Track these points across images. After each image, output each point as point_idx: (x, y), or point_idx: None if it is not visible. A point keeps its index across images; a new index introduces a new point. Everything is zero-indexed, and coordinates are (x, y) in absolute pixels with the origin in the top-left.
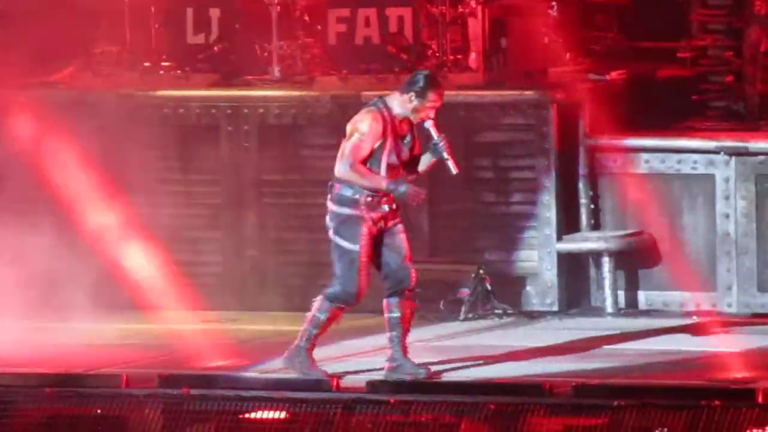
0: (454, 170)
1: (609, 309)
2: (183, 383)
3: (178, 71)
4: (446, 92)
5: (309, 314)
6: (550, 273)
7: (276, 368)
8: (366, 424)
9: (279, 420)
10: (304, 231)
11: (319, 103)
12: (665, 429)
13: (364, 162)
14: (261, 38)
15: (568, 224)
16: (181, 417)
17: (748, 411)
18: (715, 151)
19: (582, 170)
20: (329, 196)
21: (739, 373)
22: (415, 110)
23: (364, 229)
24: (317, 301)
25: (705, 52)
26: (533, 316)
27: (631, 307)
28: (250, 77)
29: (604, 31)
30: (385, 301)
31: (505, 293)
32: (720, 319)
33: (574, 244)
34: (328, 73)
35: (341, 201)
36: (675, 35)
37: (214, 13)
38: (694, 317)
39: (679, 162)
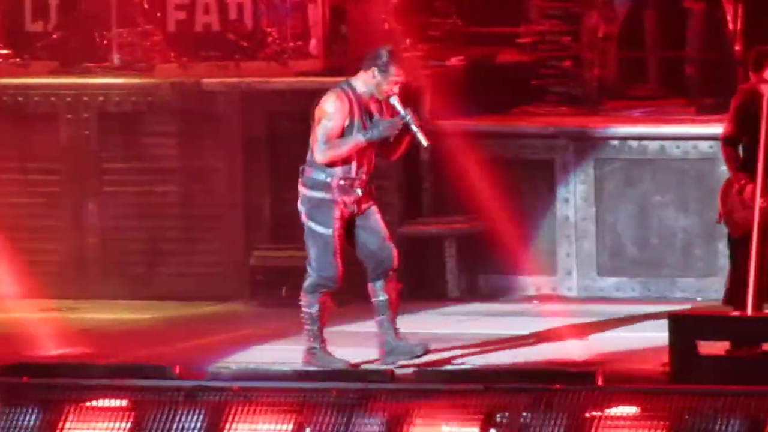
0: (425, 143)
1: (452, 293)
2: (22, 372)
3: (17, 59)
4: (286, 79)
5: (302, 315)
6: None
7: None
8: (209, 411)
9: (121, 408)
10: (146, 219)
11: (159, 91)
12: (506, 414)
13: None
14: (100, 25)
15: (410, 209)
16: (21, 406)
17: (588, 393)
18: (555, 136)
19: (424, 155)
20: (300, 180)
21: (578, 357)
22: (378, 86)
23: (337, 213)
24: (302, 299)
25: (544, 38)
26: None
27: (474, 292)
28: (90, 65)
29: (444, 17)
30: (369, 285)
31: (348, 279)
32: (560, 303)
33: (416, 228)
34: (168, 61)
35: (313, 185)
36: (514, 21)
37: (53, 0)
38: (535, 301)
39: (519, 147)
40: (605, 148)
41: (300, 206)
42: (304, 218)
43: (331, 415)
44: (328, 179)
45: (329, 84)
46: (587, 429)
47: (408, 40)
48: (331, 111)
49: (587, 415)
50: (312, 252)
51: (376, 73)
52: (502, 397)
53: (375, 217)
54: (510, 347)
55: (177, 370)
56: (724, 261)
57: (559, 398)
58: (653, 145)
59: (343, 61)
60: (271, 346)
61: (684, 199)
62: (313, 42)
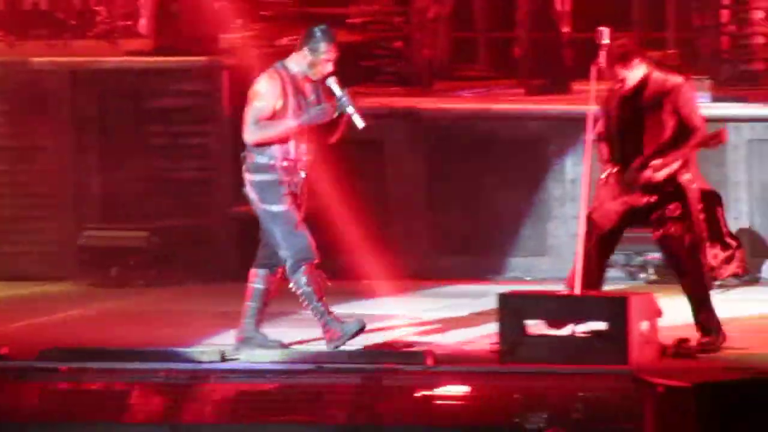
0: (361, 124)
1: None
2: None
3: None
4: (116, 59)
5: (300, 299)
6: (225, 237)
7: None
8: (35, 392)
9: None
10: None
11: None
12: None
13: None
14: None
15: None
16: None
17: (418, 374)
18: (387, 116)
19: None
20: (244, 167)
21: (409, 337)
22: (311, 65)
23: (286, 190)
24: (291, 285)
25: (374, 18)
26: (210, 281)
27: None
28: None
29: None
30: (252, 270)
31: (180, 259)
32: (393, 282)
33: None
34: None
35: (257, 168)
36: (345, 1)
37: None
38: (366, 281)
39: (349, 126)
40: (436, 129)
41: (249, 193)
42: (256, 203)
43: (161, 395)
44: (271, 161)
45: (160, 63)
46: (418, 409)
47: (239, 20)
48: (262, 91)
49: (417, 395)
50: (276, 234)
51: (307, 52)
52: (333, 377)
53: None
54: None
55: (5, 351)
56: (552, 240)
57: (389, 378)
58: (483, 125)
59: (173, 40)
60: (101, 326)
61: (514, 179)
62: (142, 21)
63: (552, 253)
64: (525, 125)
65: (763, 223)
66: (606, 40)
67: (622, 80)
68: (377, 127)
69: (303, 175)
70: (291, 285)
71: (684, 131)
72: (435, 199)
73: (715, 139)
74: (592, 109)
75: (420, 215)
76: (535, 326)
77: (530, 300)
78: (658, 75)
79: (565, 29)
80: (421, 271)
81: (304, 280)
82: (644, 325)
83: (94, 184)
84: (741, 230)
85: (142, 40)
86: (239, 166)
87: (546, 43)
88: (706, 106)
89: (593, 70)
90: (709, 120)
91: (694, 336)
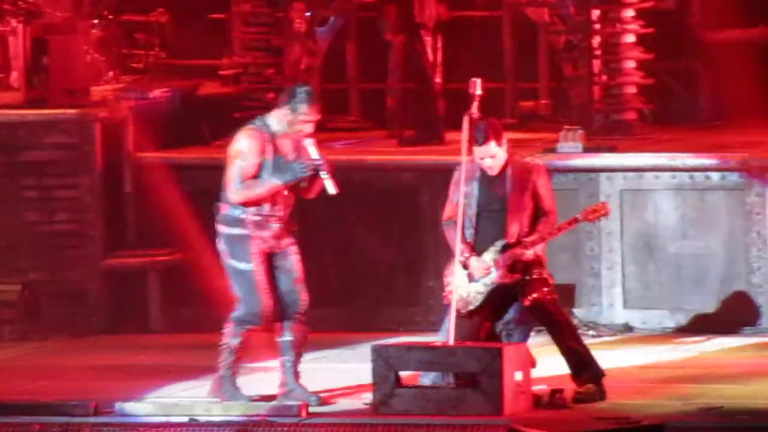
0: (333, 190)
1: (156, 326)
2: None
3: None
4: None
5: (222, 342)
6: (96, 291)
7: None
8: None
9: None
10: None
11: None
12: None
13: None
14: None
15: (115, 242)
16: None
17: (293, 426)
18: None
19: (128, 187)
20: (216, 218)
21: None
22: (291, 124)
23: (254, 248)
24: (227, 328)
25: (247, 70)
26: (82, 334)
27: (178, 325)
28: None
29: (147, 49)
30: (277, 324)
31: (52, 312)
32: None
33: (120, 261)
34: None
35: (228, 221)
36: (217, 53)
37: None
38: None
39: (221, 178)
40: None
41: (219, 245)
42: (224, 256)
43: None
44: (243, 215)
45: (31, 116)
46: None
47: (111, 72)
48: (244, 150)
49: None
50: (237, 290)
51: (288, 111)
52: (206, 428)
53: (292, 258)
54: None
55: None
56: (425, 291)
57: (263, 430)
58: (357, 176)
59: (44, 93)
60: None
61: (387, 229)
62: (14, 74)
63: (425, 304)
64: (398, 176)
65: (637, 272)
66: (478, 91)
67: (492, 156)
68: None
69: (276, 227)
70: (224, 328)
71: (539, 213)
72: (307, 249)
73: (597, 213)
74: (464, 159)
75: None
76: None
77: (403, 351)
78: (517, 158)
79: (437, 80)
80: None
81: (238, 340)
82: (518, 375)
83: None
84: (615, 280)
85: (13, 93)
86: (111, 219)
87: (418, 93)
88: (578, 156)
89: (465, 120)
90: (582, 170)
91: (570, 387)
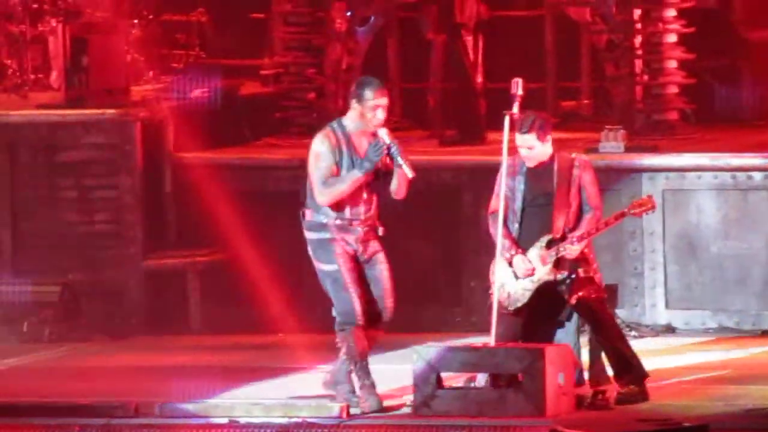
0: (410, 173)
1: (196, 327)
2: None
3: None
4: (26, 112)
5: (343, 358)
6: (136, 291)
7: None
8: None
9: None
10: None
11: None
12: None
13: None
14: None
15: (155, 242)
16: None
17: (334, 427)
18: (299, 167)
19: (168, 188)
20: (303, 225)
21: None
22: (362, 116)
23: (338, 249)
24: (338, 340)
25: (287, 69)
26: (122, 335)
27: (218, 326)
28: None
29: (186, 49)
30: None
31: (92, 313)
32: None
33: (160, 261)
34: None
35: (312, 227)
36: (257, 53)
37: None
38: (281, 334)
39: (264, 179)
40: None
41: (309, 251)
42: (313, 262)
43: None
44: (324, 219)
45: (71, 116)
46: None
47: (151, 72)
48: (322, 152)
49: None
50: (329, 291)
51: (355, 104)
52: (246, 430)
53: (380, 267)
54: (257, 380)
55: None
56: (466, 292)
57: (304, 431)
58: None
59: (84, 93)
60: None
61: (429, 229)
62: (54, 74)
63: (466, 304)
64: (439, 175)
65: (679, 272)
66: (520, 91)
67: (530, 148)
68: (291, 178)
69: (360, 230)
70: (337, 340)
71: (585, 209)
72: None
73: (644, 207)
74: (505, 158)
75: None
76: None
77: (445, 352)
78: (564, 153)
79: (479, 79)
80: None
81: (346, 344)
82: (561, 377)
83: (5, 236)
84: (657, 281)
85: (52, 93)
86: (151, 219)
87: (459, 93)
88: (620, 156)
89: (506, 120)
90: (623, 170)
91: (613, 388)
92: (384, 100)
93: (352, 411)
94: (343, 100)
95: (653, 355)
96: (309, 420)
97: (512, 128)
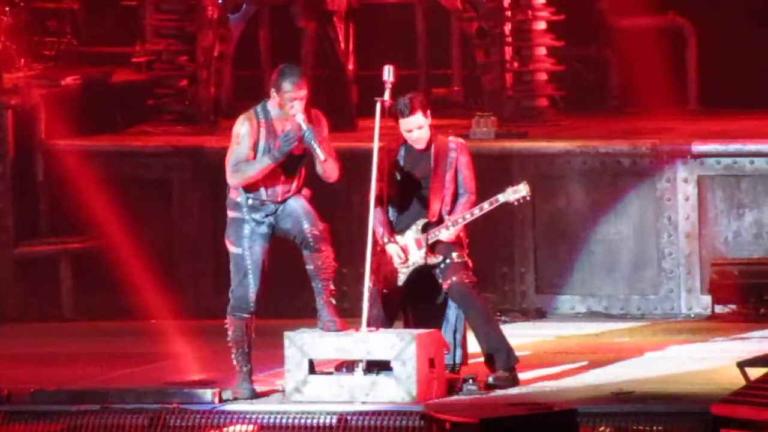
0: (322, 156)
1: (69, 314)
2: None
3: None
4: None
5: (227, 338)
6: (7, 279)
7: None
8: None
9: None
10: None
11: None
12: None
13: None
14: None
15: (27, 229)
16: None
17: (206, 413)
18: (171, 154)
19: (40, 175)
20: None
21: (197, 375)
22: (280, 105)
23: (247, 230)
24: (226, 322)
25: (159, 57)
26: None
27: (91, 312)
28: None
29: (57, 36)
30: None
31: None
32: (180, 322)
33: (32, 249)
34: None
35: (228, 205)
36: (129, 40)
37: None
38: (153, 321)
39: (136, 166)
40: (220, 167)
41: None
42: (225, 239)
43: None
44: (238, 198)
45: None
46: None
47: (22, 60)
48: (240, 133)
49: None
50: (231, 273)
51: (274, 93)
52: (119, 417)
53: (291, 202)
54: (130, 366)
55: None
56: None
57: (176, 417)
58: None
59: None
60: None
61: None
62: None
63: (338, 290)
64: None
65: (549, 258)
66: (391, 78)
67: (420, 127)
68: (163, 166)
69: (273, 207)
70: (225, 322)
71: (461, 192)
72: (221, 237)
73: (519, 193)
74: (377, 145)
75: (207, 254)
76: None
77: (317, 337)
78: (440, 136)
79: (350, 67)
80: (207, 310)
81: (232, 329)
82: (432, 362)
83: None
84: (527, 266)
85: None
86: (23, 206)
87: (331, 80)
88: (490, 142)
89: (378, 106)
90: (494, 156)
91: (484, 372)
92: (301, 93)
93: (224, 396)
94: (215, 88)
95: (524, 339)
96: (182, 406)
97: (383, 114)
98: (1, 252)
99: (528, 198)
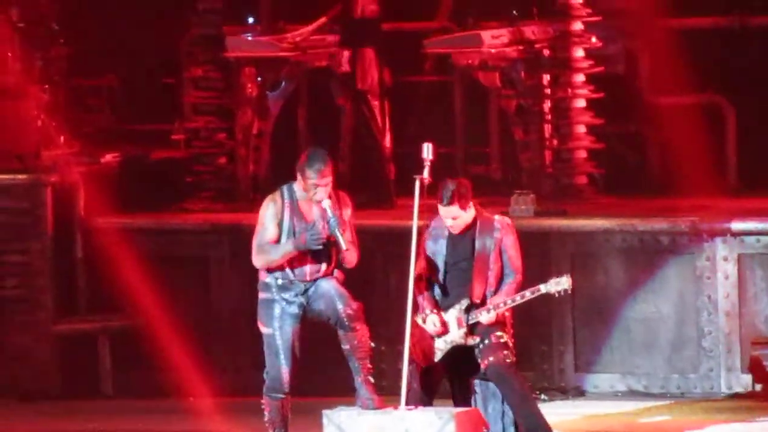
0: (344, 246)
1: (108, 391)
2: None
3: None
4: None
5: (264, 419)
6: (46, 356)
7: None
8: None
9: None
10: None
11: None
12: None
13: None
14: None
15: (65, 307)
16: None
17: None
18: (209, 232)
19: (79, 253)
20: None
21: None
22: (305, 189)
23: (278, 311)
24: (263, 403)
25: (198, 134)
26: (30, 399)
27: (131, 390)
28: None
29: (96, 113)
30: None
31: (2, 377)
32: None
33: (71, 326)
34: None
35: (259, 287)
36: (168, 117)
37: None
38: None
39: (174, 243)
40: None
41: None
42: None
43: None
44: (268, 279)
45: None
46: None
47: (61, 137)
48: (265, 215)
49: None
50: (264, 353)
51: (299, 176)
52: None
53: (322, 284)
54: None
55: None
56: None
57: None
58: None
59: None
60: None
61: None
62: None
63: (376, 369)
64: None
65: (588, 335)
66: (430, 155)
67: (454, 218)
68: (201, 243)
69: (303, 287)
70: (262, 402)
71: (507, 272)
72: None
73: (560, 286)
74: (415, 222)
75: (245, 330)
76: None
77: (355, 415)
78: (486, 215)
79: (387, 144)
80: (245, 387)
81: (266, 409)
82: None
83: None
84: (566, 344)
85: None
86: (61, 284)
87: (368, 158)
88: (529, 219)
89: (417, 184)
90: (533, 234)
91: None
92: (325, 180)
93: None
94: (253, 165)
95: (562, 417)
96: None
97: (422, 192)
98: (41, 329)
99: (569, 291)
